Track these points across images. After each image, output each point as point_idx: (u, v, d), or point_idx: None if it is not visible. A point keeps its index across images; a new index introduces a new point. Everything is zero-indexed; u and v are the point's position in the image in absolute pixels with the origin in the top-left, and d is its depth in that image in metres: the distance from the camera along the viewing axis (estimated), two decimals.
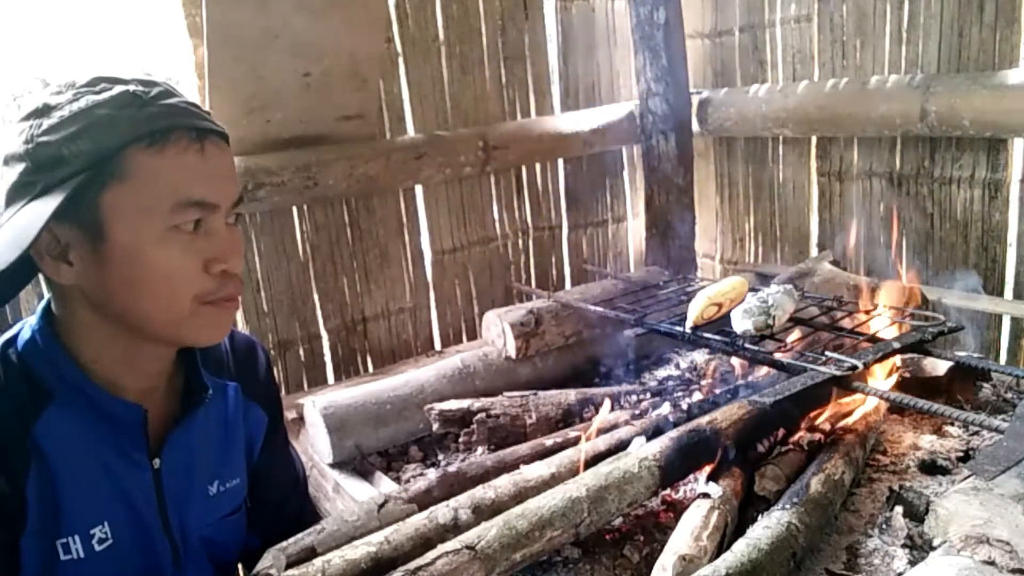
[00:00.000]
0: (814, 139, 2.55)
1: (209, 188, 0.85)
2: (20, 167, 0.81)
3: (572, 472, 1.30)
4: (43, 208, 0.79)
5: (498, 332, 2.02)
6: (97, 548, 0.91)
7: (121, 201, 0.81)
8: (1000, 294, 2.16)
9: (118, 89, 0.83)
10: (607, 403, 1.68)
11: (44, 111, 0.81)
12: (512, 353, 1.98)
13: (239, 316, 2.20)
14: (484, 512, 1.16)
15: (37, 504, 0.87)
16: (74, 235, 0.83)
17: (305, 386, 2.34)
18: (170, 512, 0.98)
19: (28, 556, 0.87)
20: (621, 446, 1.40)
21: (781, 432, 1.51)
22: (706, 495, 1.24)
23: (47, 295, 0.93)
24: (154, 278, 0.84)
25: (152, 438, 0.95)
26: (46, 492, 0.87)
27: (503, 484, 1.24)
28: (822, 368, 1.33)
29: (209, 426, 1.03)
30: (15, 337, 0.91)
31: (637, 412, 1.71)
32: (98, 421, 0.91)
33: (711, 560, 1.08)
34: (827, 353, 1.39)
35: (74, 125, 0.80)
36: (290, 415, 1.92)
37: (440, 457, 1.75)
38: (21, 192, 0.81)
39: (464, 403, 1.75)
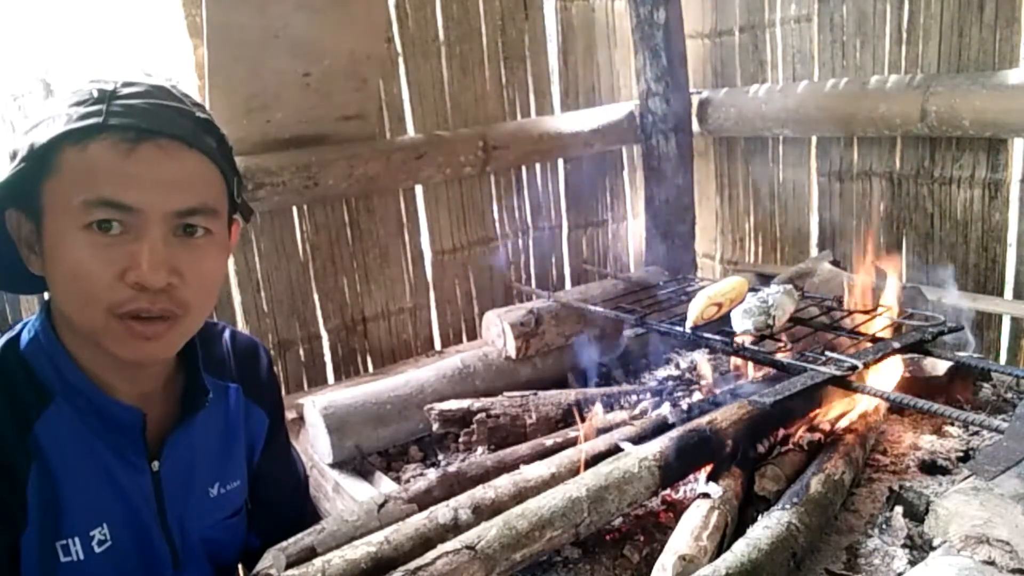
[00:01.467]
0: (814, 139, 2.55)
1: (127, 190, 0.81)
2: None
3: (572, 472, 1.30)
4: None
5: (498, 332, 2.02)
6: (97, 550, 0.90)
7: (51, 195, 0.83)
8: (1000, 294, 2.16)
9: (89, 87, 0.84)
10: (598, 404, 1.68)
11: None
12: (512, 353, 1.98)
13: (239, 316, 2.20)
14: (484, 512, 1.16)
15: (38, 505, 0.87)
16: (30, 225, 0.86)
17: (305, 386, 2.34)
18: (169, 514, 0.97)
19: (28, 557, 0.87)
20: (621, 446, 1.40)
21: (781, 432, 1.51)
22: (706, 495, 1.24)
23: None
24: (66, 277, 0.83)
25: (151, 440, 0.95)
26: (46, 493, 0.87)
27: (503, 484, 1.24)
28: (822, 368, 1.33)
29: (210, 428, 1.03)
30: (17, 336, 0.91)
31: (637, 412, 1.71)
32: (97, 422, 0.91)
33: (711, 560, 1.08)
34: (827, 353, 1.39)
35: (36, 120, 0.84)
36: (290, 415, 1.91)
37: (440, 457, 1.75)
38: None
39: (464, 403, 1.75)
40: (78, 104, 0.82)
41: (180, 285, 0.85)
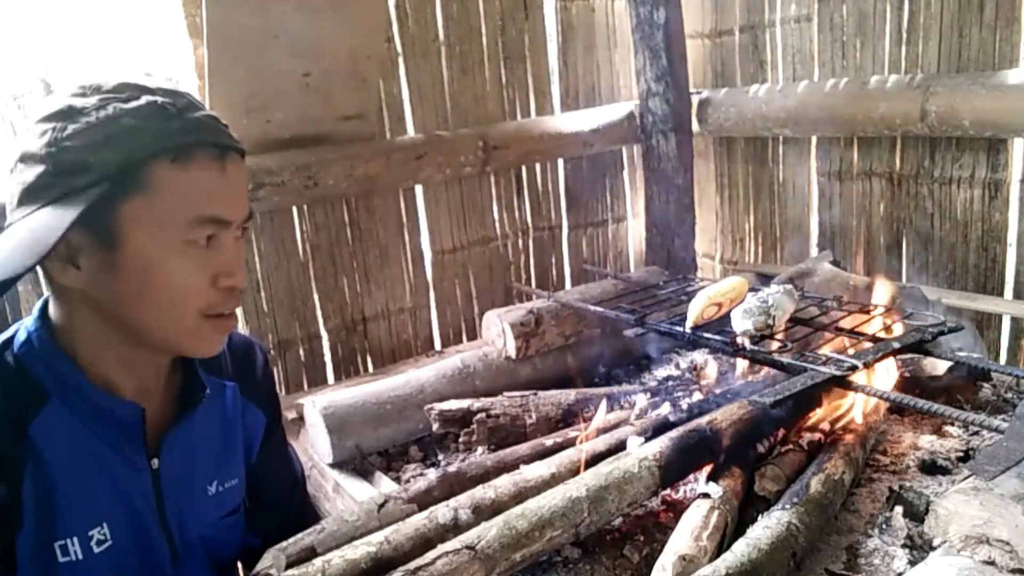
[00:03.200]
0: (814, 139, 2.55)
1: (225, 205, 0.86)
2: (39, 168, 0.80)
3: (572, 472, 1.30)
4: (63, 215, 0.78)
5: (498, 332, 2.02)
6: (96, 550, 0.90)
7: (140, 213, 0.82)
8: (1000, 294, 2.16)
9: (145, 99, 0.82)
10: (603, 404, 1.68)
11: (69, 114, 0.80)
12: (512, 353, 1.98)
13: (239, 316, 2.20)
14: (484, 512, 1.16)
15: (33, 505, 0.86)
16: (87, 241, 0.82)
17: (305, 386, 2.34)
18: (169, 513, 0.98)
19: (24, 558, 0.87)
20: (621, 446, 1.40)
21: (781, 432, 1.51)
22: (706, 495, 1.24)
23: (46, 294, 0.93)
24: (165, 290, 0.85)
25: (150, 438, 0.95)
26: (43, 493, 0.87)
27: (503, 484, 1.24)
28: (822, 368, 1.33)
29: (207, 426, 1.03)
30: (12, 338, 0.91)
31: (637, 412, 1.71)
32: (96, 421, 0.91)
33: (711, 560, 1.08)
34: (827, 353, 1.39)
35: (100, 132, 0.80)
36: (290, 415, 1.92)
37: (440, 457, 1.75)
38: (38, 194, 0.80)
39: (464, 403, 1.75)
40: (150, 118, 0.81)
41: None
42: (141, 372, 0.94)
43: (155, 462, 0.96)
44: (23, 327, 0.92)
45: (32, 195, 0.81)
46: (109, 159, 0.79)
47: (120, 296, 0.85)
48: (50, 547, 0.88)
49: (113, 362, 0.91)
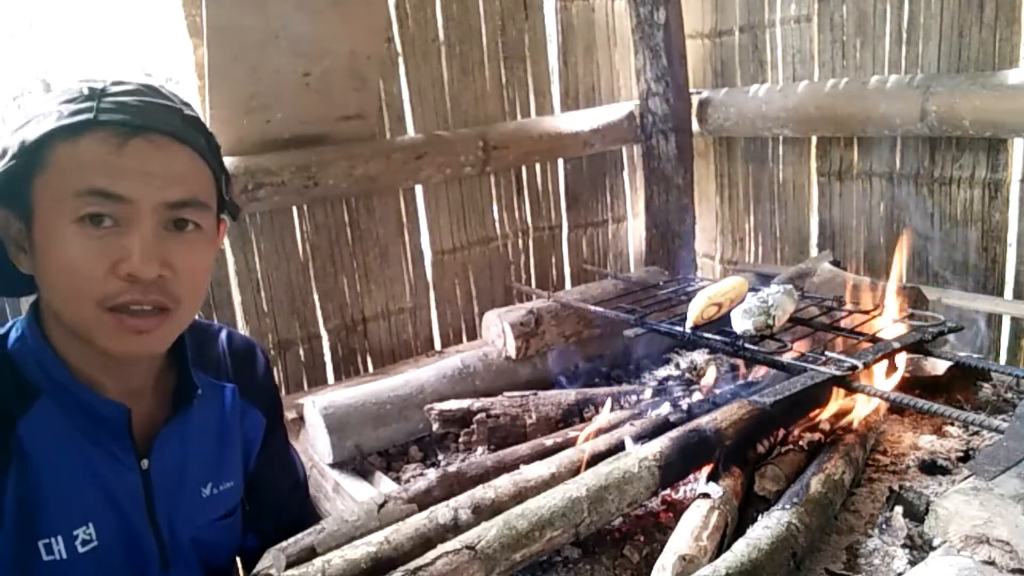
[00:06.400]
0: (814, 139, 2.55)
1: (118, 181, 0.81)
2: None
3: (572, 472, 1.30)
4: None
5: (498, 332, 2.02)
6: (80, 550, 0.90)
7: (42, 190, 0.83)
8: (1000, 294, 2.16)
9: (79, 85, 0.85)
10: (608, 404, 1.68)
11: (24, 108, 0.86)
12: (512, 353, 1.98)
13: (239, 316, 2.20)
14: (484, 512, 1.16)
15: (15, 503, 0.86)
16: (18, 223, 0.86)
17: (305, 386, 2.34)
18: (159, 513, 0.97)
19: (4, 555, 0.86)
20: (621, 446, 1.40)
21: (781, 432, 1.51)
22: (706, 495, 1.24)
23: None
24: (57, 272, 0.83)
25: (141, 438, 0.95)
26: (26, 492, 0.87)
27: (503, 484, 1.24)
28: (822, 368, 1.33)
29: (204, 427, 1.03)
30: (6, 334, 0.91)
31: (637, 412, 1.71)
32: (84, 420, 0.91)
33: (711, 560, 1.08)
34: (827, 353, 1.39)
35: (26, 118, 0.84)
36: (290, 415, 1.91)
37: (440, 457, 1.75)
38: None
39: (464, 403, 1.75)
40: (69, 101, 0.83)
41: (171, 278, 0.86)
42: (121, 370, 0.93)
43: (145, 462, 0.95)
44: (16, 324, 0.92)
45: None
46: (17, 141, 0.83)
47: (39, 280, 0.87)
48: (34, 545, 0.87)
49: (92, 358, 0.90)
